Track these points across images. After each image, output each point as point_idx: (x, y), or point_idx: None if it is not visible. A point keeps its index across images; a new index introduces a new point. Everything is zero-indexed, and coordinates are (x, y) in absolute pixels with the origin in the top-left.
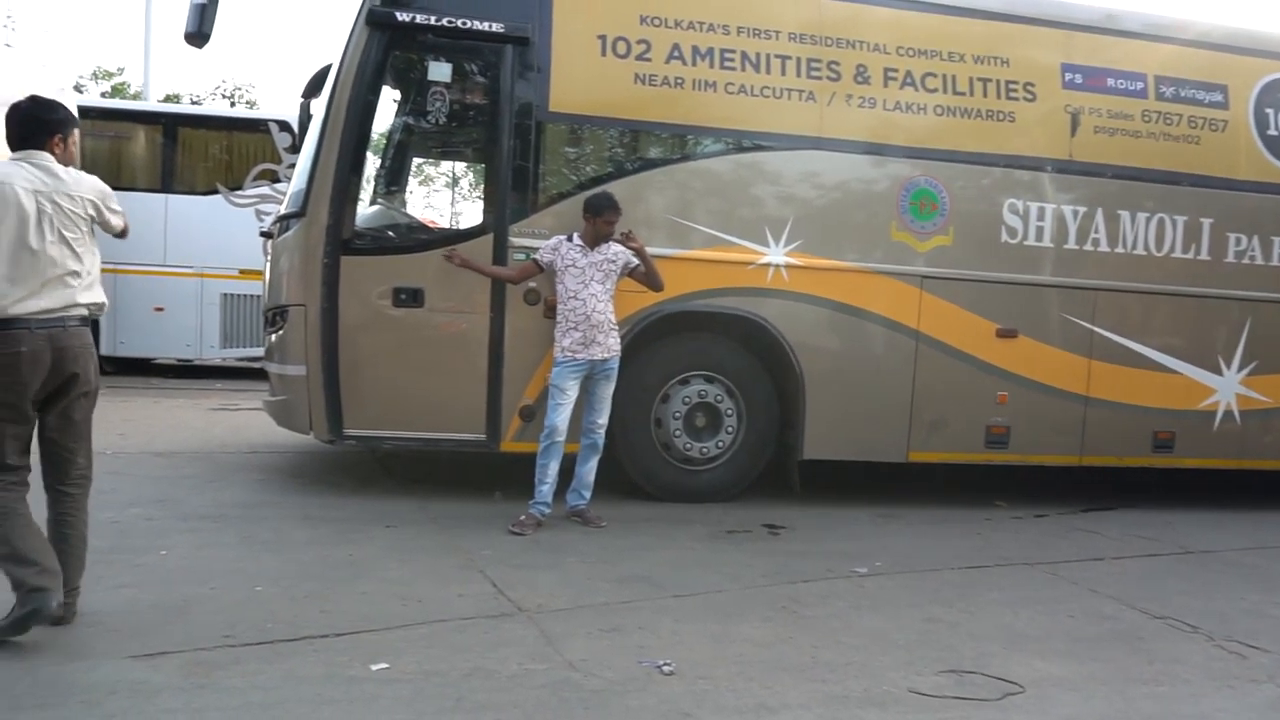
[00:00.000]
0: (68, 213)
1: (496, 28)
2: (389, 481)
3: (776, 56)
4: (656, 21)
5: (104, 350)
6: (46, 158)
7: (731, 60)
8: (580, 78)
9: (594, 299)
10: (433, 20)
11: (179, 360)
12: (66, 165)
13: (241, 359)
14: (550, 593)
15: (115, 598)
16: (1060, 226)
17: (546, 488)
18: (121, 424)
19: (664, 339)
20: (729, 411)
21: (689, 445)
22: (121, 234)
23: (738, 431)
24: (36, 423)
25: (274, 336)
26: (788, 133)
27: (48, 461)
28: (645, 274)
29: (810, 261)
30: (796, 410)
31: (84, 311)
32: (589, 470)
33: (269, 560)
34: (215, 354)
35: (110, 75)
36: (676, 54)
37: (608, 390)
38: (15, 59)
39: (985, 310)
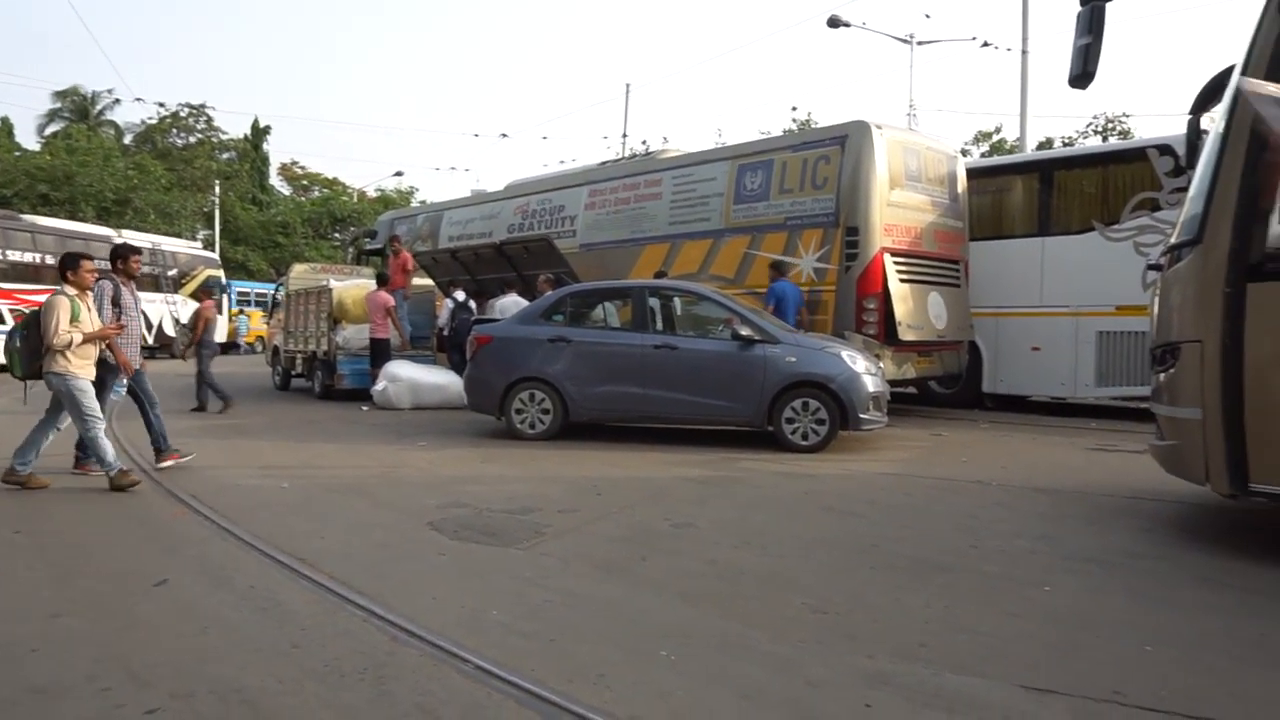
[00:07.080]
0: None
1: None
2: None
3: None
4: None
5: (985, 388)
6: None
7: None
8: None
9: None
10: None
11: (1052, 398)
12: None
13: (1117, 398)
14: None
15: (1004, 625)
16: None
17: None
18: (1004, 458)
19: None
20: None
21: None
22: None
23: None
24: None
25: (1163, 376)
26: None
27: None
28: None
29: None
30: None
31: None
32: None
33: (1160, 619)
34: (1089, 392)
35: (988, 136)
36: None
37: None
38: (916, 140)
39: None
